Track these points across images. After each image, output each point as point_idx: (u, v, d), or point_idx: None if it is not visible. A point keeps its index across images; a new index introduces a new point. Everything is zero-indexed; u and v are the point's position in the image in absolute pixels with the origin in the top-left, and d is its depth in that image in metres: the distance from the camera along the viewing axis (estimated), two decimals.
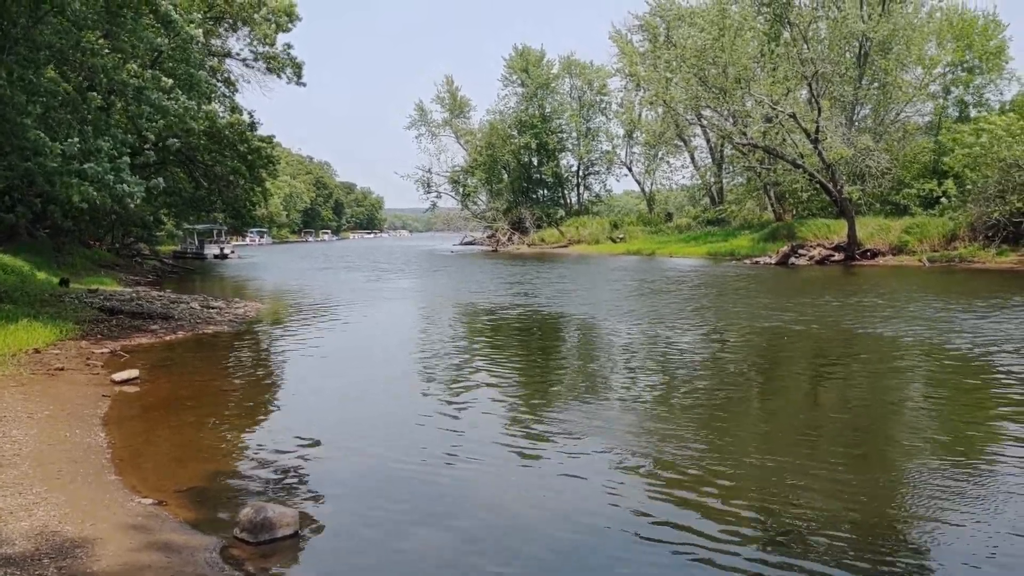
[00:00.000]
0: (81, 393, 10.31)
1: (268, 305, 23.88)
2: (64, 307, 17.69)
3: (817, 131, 40.56)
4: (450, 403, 10.17)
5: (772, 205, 56.09)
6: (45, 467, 7.09)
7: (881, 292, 24.76)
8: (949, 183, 41.83)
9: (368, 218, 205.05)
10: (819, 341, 15.36)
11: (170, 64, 19.61)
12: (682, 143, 70.85)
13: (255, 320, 19.40)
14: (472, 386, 11.37)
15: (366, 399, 10.80)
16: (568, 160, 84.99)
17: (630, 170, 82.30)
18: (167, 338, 15.61)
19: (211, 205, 42.15)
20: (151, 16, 16.87)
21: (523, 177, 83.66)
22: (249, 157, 36.01)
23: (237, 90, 41.43)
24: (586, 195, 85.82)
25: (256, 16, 36.04)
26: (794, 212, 53.18)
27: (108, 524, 5.78)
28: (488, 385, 11.35)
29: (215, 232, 62.74)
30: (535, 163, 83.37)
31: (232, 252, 63.56)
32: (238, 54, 40.10)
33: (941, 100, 52.05)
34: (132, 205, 17.33)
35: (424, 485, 6.92)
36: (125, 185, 15.25)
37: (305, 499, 6.62)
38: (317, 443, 8.23)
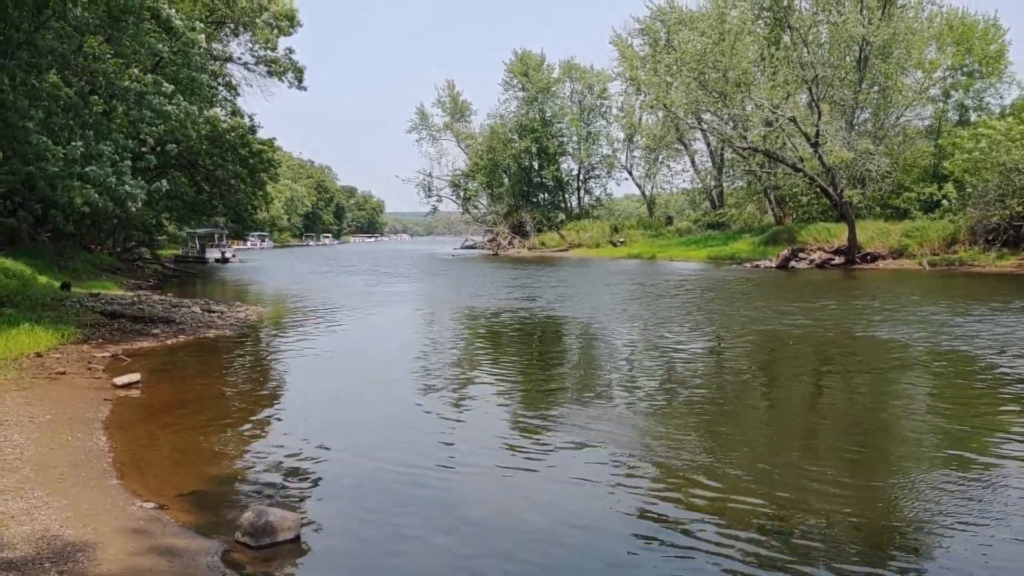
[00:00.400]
0: (82, 397, 10.33)
1: (269, 309, 23.90)
2: (66, 311, 17.72)
3: (817, 135, 40.60)
4: (451, 407, 10.19)
5: (772, 209, 56.14)
6: (47, 471, 7.10)
7: (881, 296, 24.77)
8: (949, 187, 41.89)
9: (369, 222, 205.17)
10: (820, 345, 15.37)
11: (172, 68, 19.66)
12: (682, 147, 70.94)
13: (256, 324, 19.42)
14: (473, 390, 11.39)
15: (368, 403, 10.81)
16: (569, 164, 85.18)
17: (630, 174, 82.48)
18: (168, 342, 15.63)
19: (212, 209, 42.23)
20: (152, 21, 16.92)
21: (524, 181, 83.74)
22: (250, 161, 36.10)
23: (239, 94, 41.56)
24: (586, 199, 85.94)
25: (258, 21, 36.13)
26: (794, 216, 53.21)
27: (109, 528, 5.79)
28: (489, 389, 11.36)
29: (216, 236, 62.79)
30: (536, 167, 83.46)
31: (233, 256, 63.57)
32: (239, 58, 40.22)
33: (941, 104, 52.08)
34: (134, 208, 17.36)
35: (426, 489, 6.93)
36: (127, 187, 15.29)
37: (307, 503, 6.63)
38: (319, 447, 8.24)
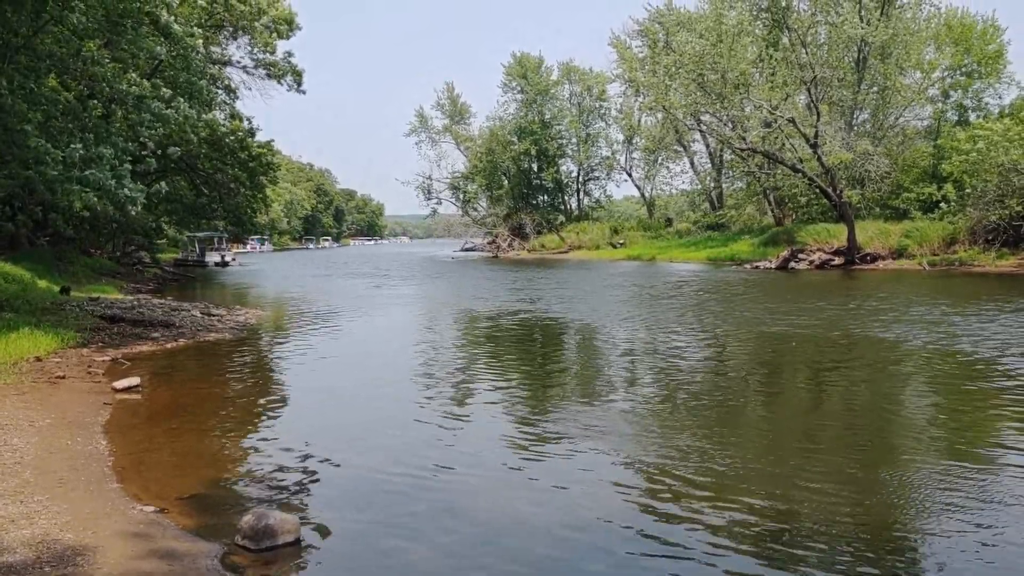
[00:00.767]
0: (82, 401, 10.33)
1: (269, 312, 23.90)
2: (65, 315, 17.72)
3: (816, 136, 40.62)
4: (452, 409, 10.19)
5: (772, 210, 56.16)
6: (47, 475, 7.10)
7: (881, 296, 24.77)
8: (949, 187, 41.90)
9: (369, 225, 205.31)
10: (820, 345, 15.36)
11: (171, 72, 19.68)
12: (682, 148, 70.99)
13: (256, 327, 19.42)
14: (474, 392, 11.39)
15: (367, 406, 10.81)
16: (568, 166, 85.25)
17: (630, 175, 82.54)
18: (168, 346, 15.62)
19: (212, 212, 42.25)
20: (151, 26, 16.93)
21: (523, 183, 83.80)
22: (250, 164, 36.12)
23: (238, 97, 41.58)
24: (586, 201, 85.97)
25: (257, 24, 36.15)
26: (794, 216, 53.24)
27: (109, 532, 5.79)
28: (489, 391, 11.36)
29: (216, 239, 62.80)
30: (535, 169, 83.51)
31: (233, 259, 63.60)
32: (238, 62, 40.25)
33: (940, 104, 52.13)
34: (134, 211, 17.40)
35: (426, 491, 6.93)
36: (126, 191, 15.30)
37: (307, 506, 6.63)
38: (319, 450, 8.24)
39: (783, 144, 43.03)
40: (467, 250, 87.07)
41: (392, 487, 7.05)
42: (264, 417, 10.07)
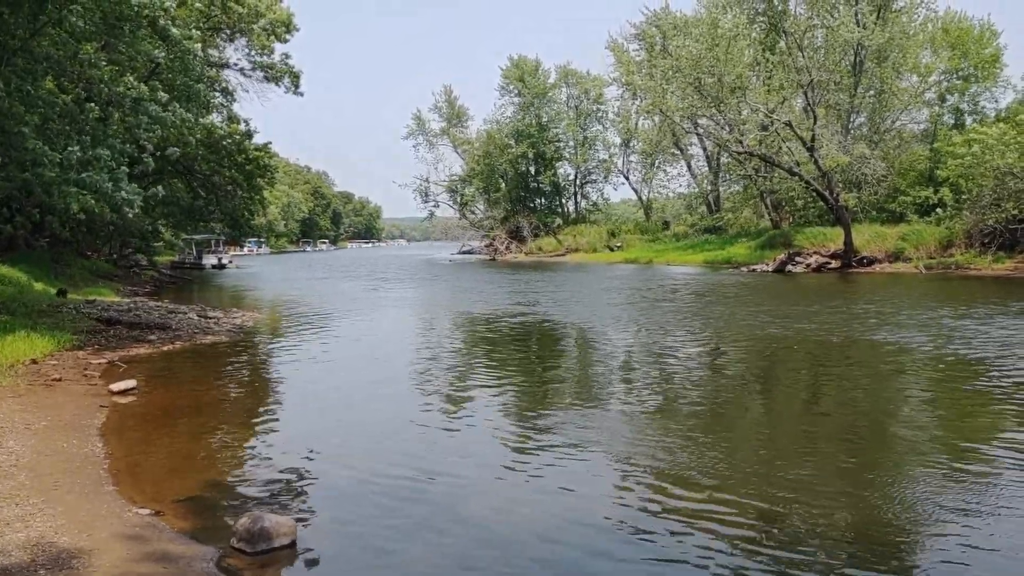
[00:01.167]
0: (78, 404, 10.31)
1: (266, 315, 23.89)
2: (62, 318, 17.69)
3: (813, 139, 40.72)
4: (448, 412, 10.19)
5: (769, 213, 56.24)
6: (42, 478, 7.09)
7: (878, 299, 24.81)
8: (945, 190, 42.01)
9: (366, 227, 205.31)
10: (817, 348, 15.38)
11: (168, 75, 19.67)
12: (679, 151, 71.12)
13: (253, 330, 19.41)
14: (470, 396, 11.39)
15: (364, 409, 10.81)
16: (565, 169, 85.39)
17: (627, 178, 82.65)
18: (165, 348, 15.61)
19: (209, 215, 42.20)
20: (149, 28, 16.92)
21: (520, 186, 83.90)
22: (247, 167, 36.10)
23: (235, 100, 41.57)
24: (583, 203, 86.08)
25: (254, 27, 36.16)
26: (791, 220, 53.33)
27: (105, 534, 5.78)
28: (486, 393, 11.36)
29: (213, 242, 62.77)
30: (532, 172, 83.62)
31: (230, 262, 63.60)
32: (236, 64, 40.24)
33: (937, 108, 52.26)
34: (130, 214, 17.37)
35: (422, 494, 6.93)
36: (123, 193, 15.29)
37: (303, 508, 6.62)
38: (315, 452, 8.24)
39: (780, 147, 43.13)
40: (464, 253, 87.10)
41: (389, 489, 7.05)
42: (260, 419, 10.06)
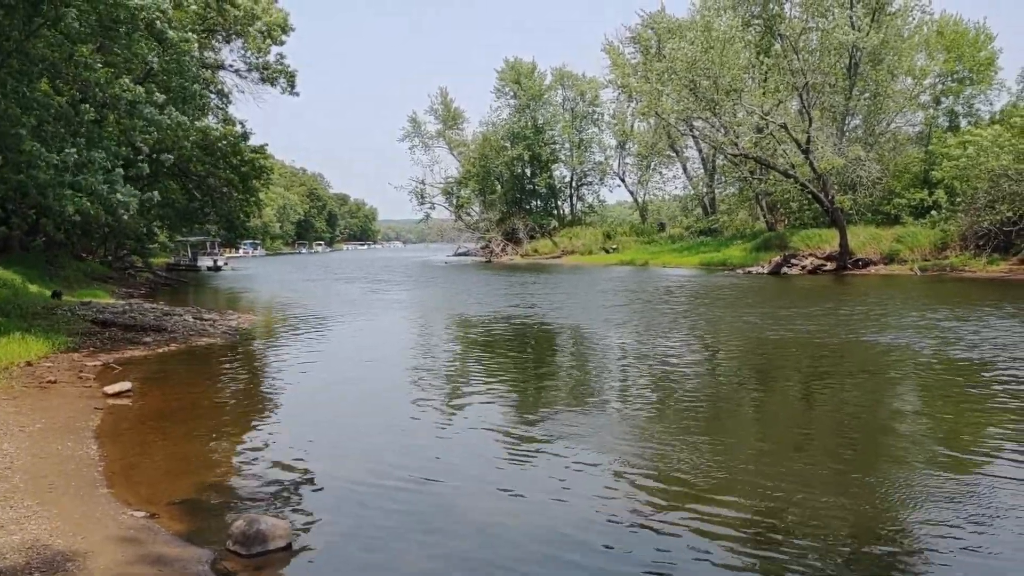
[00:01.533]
0: (73, 406, 10.29)
1: (261, 317, 23.87)
2: (57, 320, 17.65)
3: (808, 141, 40.82)
4: (444, 415, 10.19)
5: (764, 215, 56.36)
6: (37, 480, 7.08)
7: (873, 301, 24.87)
8: (940, 192, 42.15)
9: (362, 229, 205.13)
10: (813, 351, 15.41)
11: (164, 77, 19.64)
12: (674, 154, 71.19)
13: (248, 332, 19.39)
14: (466, 398, 11.39)
15: (359, 411, 10.79)
16: (561, 171, 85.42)
17: (623, 180, 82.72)
18: (160, 350, 15.58)
19: (204, 217, 42.17)
20: (146, 30, 16.90)
21: (516, 188, 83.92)
22: (242, 169, 36.07)
23: (230, 102, 41.56)
24: (579, 206, 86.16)
25: (250, 30, 36.16)
26: (786, 222, 53.46)
27: (100, 537, 5.77)
28: (482, 397, 11.36)
29: (208, 244, 62.70)
30: (528, 174, 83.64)
31: (225, 264, 63.53)
32: (231, 65, 40.23)
33: (932, 110, 52.43)
34: (126, 216, 17.33)
35: (417, 496, 6.93)
36: (119, 196, 15.26)
37: (298, 511, 6.62)
38: (310, 455, 8.23)
39: (775, 150, 43.22)
40: (460, 255, 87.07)
41: (384, 492, 7.04)
42: (256, 422, 10.05)
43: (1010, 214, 36.28)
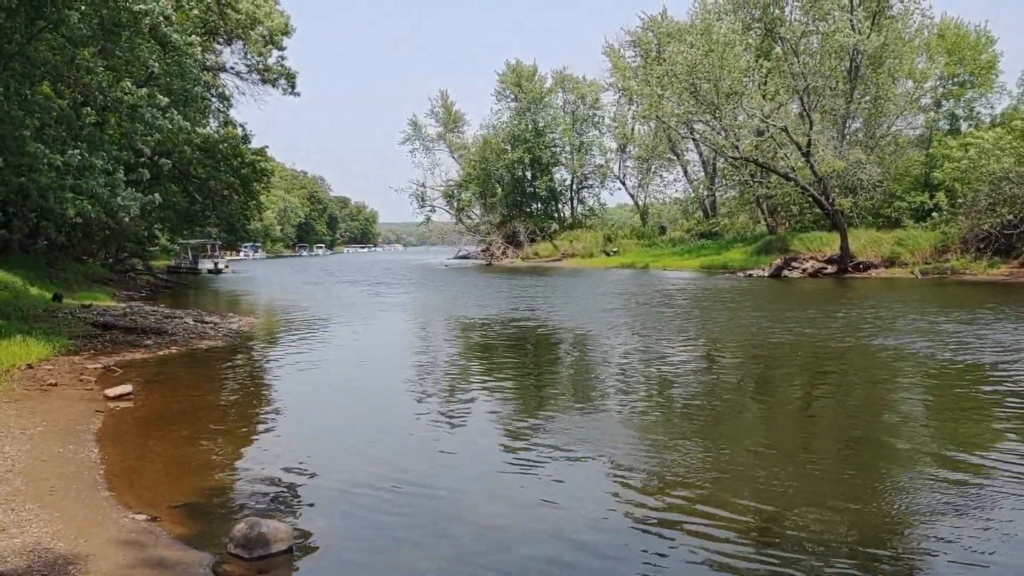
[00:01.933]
0: (74, 409, 10.28)
1: (262, 320, 23.86)
2: (57, 322, 17.65)
3: (809, 144, 40.81)
4: (444, 418, 10.18)
5: (765, 218, 56.32)
6: (38, 483, 7.07)
7: (874, 304, 24.85)
8: (941, 195, 42.13)
9: (363, 232, 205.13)
10: (814, 354, 15.40)
11: (165, 80, 19.66)
12: (675, 157, 71.18)
13: (249, 335, 19.38)
14: (466, 401, 11.38)
15: (360, 414, 10.79)
16: (562, 174, 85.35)
17: (623, 183, 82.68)
18: (161, 353, 15.57)
19: (205, 219, 42.18)
20: (149, 33, 16.90)
21: (517, 191, 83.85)
22: (243, 171, 36.09)
23: (231, 105, 41.61)
24: (580, 208, 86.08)
25: (252, 34, 36.21)
26: (787, 225, 53.41)
27: (101, 540, 5.76)
28: (482, 400, 11.36)
29: (209, 246, 62.72)
30: (529, 177, 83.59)
31: (226, 266, 63.54)
32: (232, 67, 40.28)
33: (932, 113, 52.41)
34: (127, 219, 17.34)
35: (418, 499, 6.92)
36: (120, 199, 15.27)
37: (299, 514, 6.61)
38: (311, 457, 8.22)
39: (776, 153, 43.22)
40: (461, 258, 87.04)
41: (385, 496, 7.03)
42: (257, 425, 10.04)
43: (1011, 217, 36.25)
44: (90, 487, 7.14)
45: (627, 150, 79.41)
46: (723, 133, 44.58)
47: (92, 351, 15.11)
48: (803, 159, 41.67)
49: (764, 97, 42.22)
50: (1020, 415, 9.80)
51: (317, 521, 6.42)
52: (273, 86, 40.08)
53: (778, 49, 46.72)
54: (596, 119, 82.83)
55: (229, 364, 14.97)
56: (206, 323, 20.22)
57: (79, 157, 14.50)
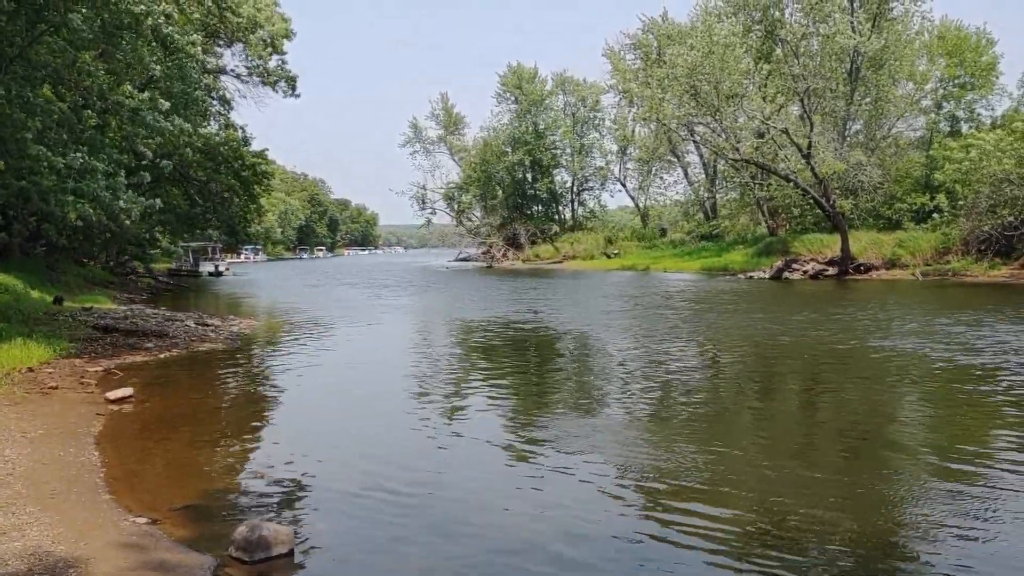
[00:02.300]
0: (75, 412, 10.27)
1: (263, 322, 23.84)
2: (58, 325, 17.64)
3: (809, 146, 40.82)
4: (445, 420, 10.16)
5: (766, 220, 56.32)
6: (39, 486, 7.06)
7: (875, 306, 24.84)
8: (941, 197, 42.13)
9: (363, 234, 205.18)
10: (815, 355, 15.39)
11: (166, 83, 19.67)
12: (675, 159, 71.18)
13: (250, 337, 19.37)
14: (467, 403, 11.37)
15: (361, 416, 10.77)
16: (562, 176, 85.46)
17: (624, 186, 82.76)
18: (161, 356, 15.56)
19: (206, 222, 42.21)
20: (151, 35, 16.90)
21: (517, 193, 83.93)
22: (243, 174, 36.13)
23: (232, 108, 41.66)
24: (580, 211, 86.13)
25: (252, 37, 36.27)
26: (788, 226, 53.40)
27: (102, 543, 5.75)
28: (484, 402, 11.35)
29: (210, 249, 62.73)
30: (529, 179, 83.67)
31: (227, 269, 63.51)
32: (233, 70, 40.35)
33: (933, 115, 52.42)
34: (128, 222, 17.34)
35: (420, 502, 6.91)
36: (121, 202, 15.27)
37: (301, 517, 6.60)
38: (312, 460, 8.21)
39: (776, 154, 43.24)
40: (461, 260, 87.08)
41: (387, 498, 7.02)
42: (258, 428, 10.03)
43: (1012, 218, 36.26)
44: (91, 490, 7.13)
45: (628, 152, 79.49)
46: (724, 135, 44.60)
47: (93, 354, 15.09)
48: (804, 161, 41.69)
49: (764, 99, 42.25)
50: (1021, 415, 9.78)
51: (318, 524, 6.41)
52: (273, 88, 40.20)
53: (778, 51, 46.78)
54: (597, 121, 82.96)
55: (230, 367, 14.96)
56: (207, 326, 20.21)
57: (80, 160, 14.50)
